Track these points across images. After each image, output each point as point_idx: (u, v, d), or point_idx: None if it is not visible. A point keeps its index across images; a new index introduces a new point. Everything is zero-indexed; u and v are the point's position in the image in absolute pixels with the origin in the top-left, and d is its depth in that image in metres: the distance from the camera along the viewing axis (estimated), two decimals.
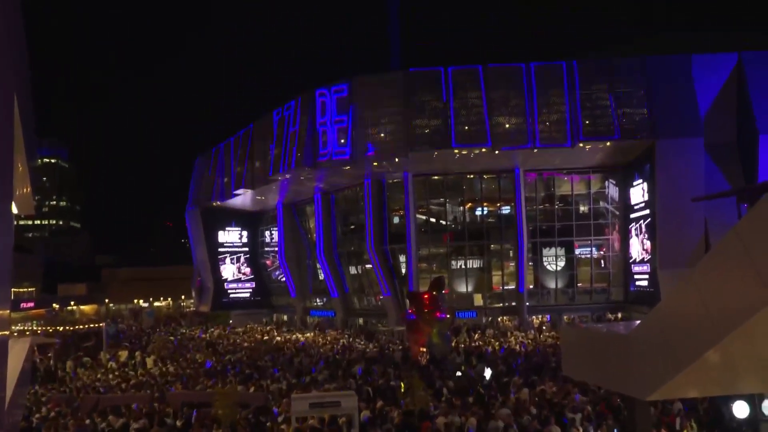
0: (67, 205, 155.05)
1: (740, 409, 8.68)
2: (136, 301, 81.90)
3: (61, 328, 48.14)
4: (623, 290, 41.23)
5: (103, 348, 33.23)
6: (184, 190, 63.14)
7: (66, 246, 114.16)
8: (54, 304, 73.44)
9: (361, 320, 47.93)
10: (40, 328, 44.93)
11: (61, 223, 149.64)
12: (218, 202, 55.15)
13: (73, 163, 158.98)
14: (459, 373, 21.66)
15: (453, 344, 29.54)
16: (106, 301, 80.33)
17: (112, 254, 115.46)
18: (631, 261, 39.63)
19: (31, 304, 68.71)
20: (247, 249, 60.25)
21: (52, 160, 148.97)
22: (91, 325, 53.20)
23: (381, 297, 43.69)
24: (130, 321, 65.40)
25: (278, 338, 41.50)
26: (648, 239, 36.82)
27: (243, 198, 52.77)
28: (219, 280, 58.08)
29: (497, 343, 31.70)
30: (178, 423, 15.13)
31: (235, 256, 59.40)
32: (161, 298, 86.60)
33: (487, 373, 21.22)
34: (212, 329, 49.25)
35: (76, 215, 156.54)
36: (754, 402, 8.55)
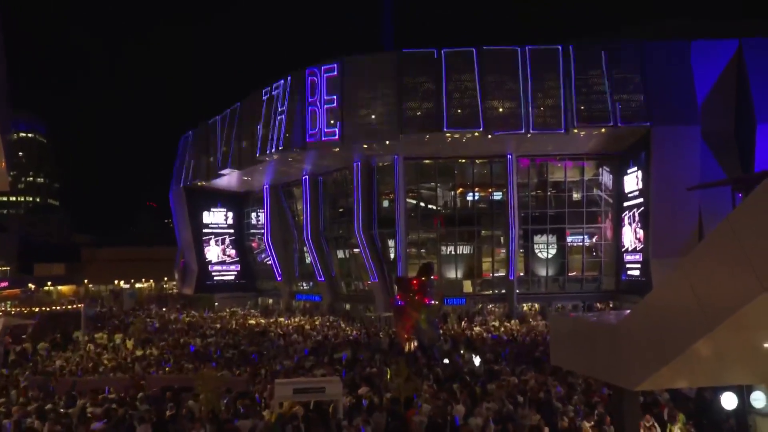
0: (44, 182, 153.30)
1: (728, 401, 8.79)
2: (116, 282, 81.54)
3: (37, 309, 47.79)
4: (614, 279, 41.58)
5: (81, 330, 33.04)
6: (168, 168, 62.75)
7: (43, 224, 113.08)
8: (30, 284, 72.88)
9: (347, 305, 48.10)
10: (14, 309, 44.55)
11: (38, 200, 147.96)
12: (203, 182, 54.84)
13: (52, 138, 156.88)
14: (446, 361, 21.81)
15: (441, 331, 29.71)
16: (85, 281, 79.92)
17: (91, 233, 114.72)
18: (623, 250, 39.93)
19: (5, 284, 68.05)
20: (232, 231, 60.10)
21: (29, 135, 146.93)
22: (70, 306, 52.89)
23: (369, 282, 43.79)
24: (111, 302, 65.11)
25: (261, 321, 41.58)
26: (641, 228, 37.09)
27: (229, 178, 52.51)
28: (203, 262, 57.93)
29: (485, 332, 31.92)
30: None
31: (220, 238, 59.22)
32: (143, 280, 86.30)
33: (477, 361, 21.40)
34: (192, 313, 49.14)
35: (54, 192, 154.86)
36: (743, 393, 8.66)
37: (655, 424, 12.00)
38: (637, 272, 37.93)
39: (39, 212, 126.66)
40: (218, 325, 38.61)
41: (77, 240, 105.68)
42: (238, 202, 60.12)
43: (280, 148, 42.04)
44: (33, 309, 44.20)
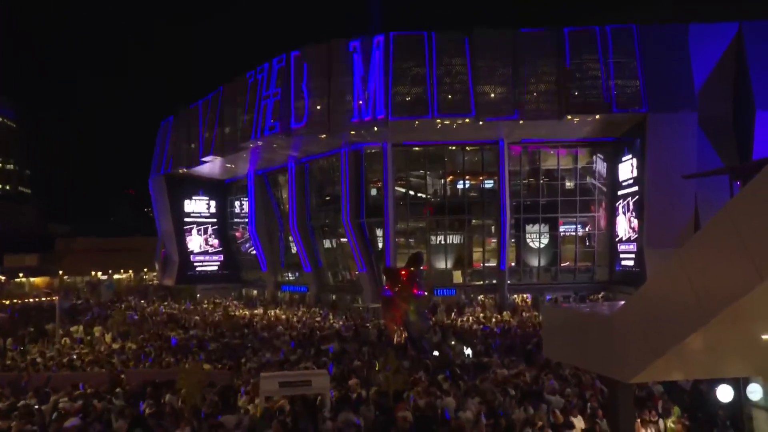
0: (14, 169, 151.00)
1: (724, 393, 8.91)
2: (93, 273, 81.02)
3: (8, 302, 47.29)
4: (608, 270, 41.88)
5: (56, 323, 32.78)
6: (148, 155, 62.31)
7: (14, 213, 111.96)
8: (0, 276, 72.27)
9: (334, 296, 48.16)
10: None
11: (8, 188, 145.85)
12: (184, 170, 54.50)
13: (23, 123, 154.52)
14: (436, 353, 21.92)
15: (431, 323, 29.83)
16: (60, 273, 79.35)
17: (66, 223, 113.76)
18: (617, 239, 40.19)
19: None
20: (215, 220, 59.87)
21: None
22: (44, 299, 52.51)
23: (356, 272, 43.82)
24: (88, 294, 64.72)
25: (245, 313, 41.55)
26: (635, 217, 37.33)
27: (211, 165, 52.22)
28: (185, 253, 57.70)
29: (475, 323, 32.08)
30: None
31: (202, 227, 58.98)
32: (121, 271, 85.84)
33: (467, 352, 21.55)
34: (174, 304, 49.03)
35: (25, 180, 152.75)
36: (739, 386, 8.78)
37: (658, 419, 12.13)
38: (630, 262, 38.21)
39: (9, 201, 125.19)
40: (197, 317, 38.49)
41: (51, 230, 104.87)
42: (221, 190, 59.85)
43: (265, 134, 41.83)
44: (3, 302, 43.71)
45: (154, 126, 61.66)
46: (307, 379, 14.67)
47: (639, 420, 11.86)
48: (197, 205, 58.90)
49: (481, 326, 30.45)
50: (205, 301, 50.87)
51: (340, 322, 34.16)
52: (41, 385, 17.58)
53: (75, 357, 23.94)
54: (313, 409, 13.82)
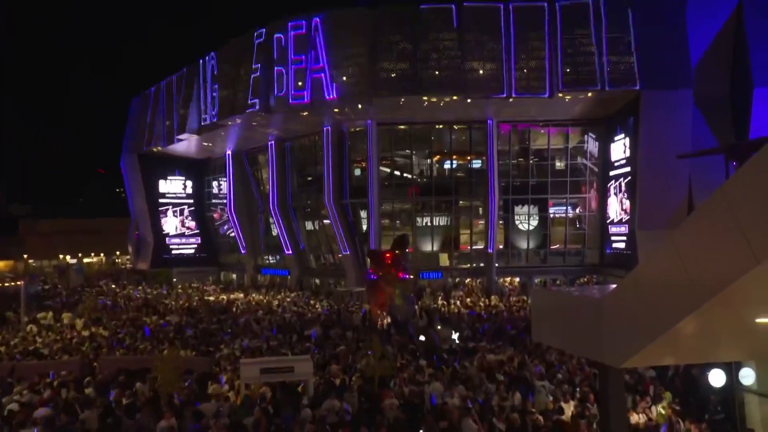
0: None
1: (716, 378, 9.07)
2: (61, 256, 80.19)
3: None
4: (599, 252, 42.23)
5: (21, 309, 32.35)
6: (119, 132, 61.57)
7: None
8: None
9: (317, 280, 48.21)
10: None
11: None
12: (159, 148, 53.94)
13: None
14: (422, 338, 22.08)
15: (416, 307, 30.00)
16: (25, 256, 78.46)
17: (31, 203, 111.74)
18: (608, 221, 40.48)
19: None
20: (191, 201, 59.51)
21: None
22: (6, 284, 51.93)
23: (339, 255, 43.87)
24: (56, 279, 64.12)
25: (223, 297, 41.53)
26: (627, 198, 37.59)
27: (187, 144, 51.75)
28: (160, 235, 57.35)
29: (462, 307, 32.32)
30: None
31: (178, 209, 58.61)
32: (92, 254, 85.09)
33: (454, 337, 21.75)
34: (148, 289, 48.80)
35: None
36: (731, 370, 8.94)
37: (650, 404, 12.36)
38: (622, 245, 38.54)
39: None
40: (172, 302, 38.36)
41: (14, 211, 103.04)
42: (198, 169, 59.41)
43: (244, 111, 41.49)
44: None
45: (126, 101, 60.87)
46: (290, 365, 14.74)
47: (630, 406, 12.08)
48: (173, 185, 58.45)
49: (468, 311, 30.67)
50: (179, 286, 50.62)
51: (325, 307, 34.24)
52: (5, 375, 17.39)
53: (42, 345, 23.71)
54: (295, 396, 13.90)
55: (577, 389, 13.95)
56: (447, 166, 44.03)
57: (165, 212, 57.87)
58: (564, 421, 11.61)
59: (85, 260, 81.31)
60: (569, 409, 12.58)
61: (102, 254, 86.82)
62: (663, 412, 12.02)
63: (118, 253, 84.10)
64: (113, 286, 53.39)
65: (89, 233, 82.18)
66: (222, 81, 44.42)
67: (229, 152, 52.21)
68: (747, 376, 8.90)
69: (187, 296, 42.96)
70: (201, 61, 48.35)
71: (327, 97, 38.22)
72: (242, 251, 53.87)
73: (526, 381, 14.68)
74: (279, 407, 12.98)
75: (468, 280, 42.70)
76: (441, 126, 42.61)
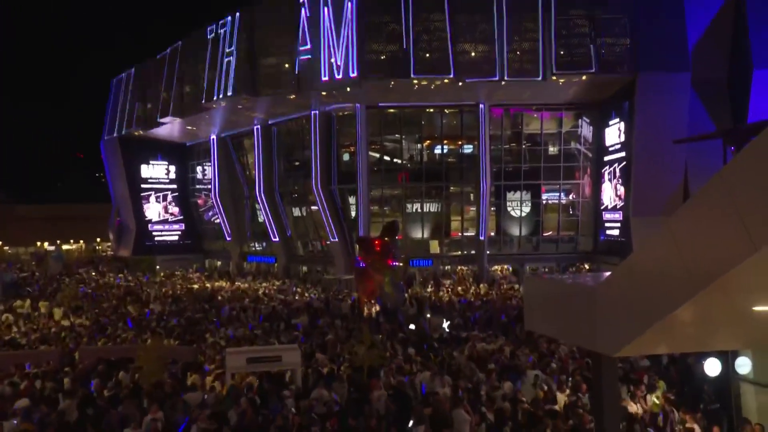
0: None
1: (712, 367, 9.14)
2: (39, 243, 79.67)
3: None
4: (592, 239, 42.43)
5: None
6: (99, 115, 61.06)
7: None
8: None
9: (304, 267, 48.17)
10: None
11: None
12: (141, 132, 53.58)
13: None
14: (412, 326, 22.15)
15: (406, 295, 30.09)
16: (0, 243, 77.90)
17: (6, 188, 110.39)
18: (602, 208, 40.65)
19: None
20: (175, 186, 59.25)
21: None
22: None
23: (327, 242, 43.83)
24: (33, 267, 63.65)
25: (207, 285, 41.44)
26: (621, 184, 37.73)
27: (170, 127, 51.42)
28: (142, 221, 57.12)
29: (453, 295, 32.41)
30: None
31: (161, 194, 58.34)
32: (71, 241, 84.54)
33: (445, 325, 21.83)
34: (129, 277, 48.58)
35: None
36: (727, 359, 9.01)
37: (645, 394, 12.46)
38: (616, 232, 38.75)
39: None
40: (155, 290, 38.19)
41: None
42: (182, 154, 59.09)
43: (229, 94, 41.23)
44: None
45: (106, 83, 60.29)
46: (277, 354, 14.75)
47: (628, 396, 12.19)
48: (155, 170, 58.13)
49: (459, 299, 30.77)
50: (161, 274, 50.41)
51: (312, 295, 34.26)
52: None
53: (18, 335, 23.53)
54: (283, 386, 13.92)
55: (569, 378, 14.05)
56: (437, 150, 43.99)
57: (147, 198, 57.57)
58: (556, 411, 11.70)
59: (64, 247, 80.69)
60: (561, 398, 12.68)
61: (82, 241, 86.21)
62: (657, 401, 12.13)
63: (98, 240, 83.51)
64: (93, 273, 53.08)
65: (68, 219, 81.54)
66: (205, 63, 44.07)
67: (213, 136, 51.89)
68: (743, 365, 8.97)
69: (172, 284, 42.81)
70: (181, 42, 47.99)
71: (314, 80, 38.02)
72: (227, 238, 53.71)
73: (517, 370, 14.78)
74: (266, 398, 12.99)
75: (459, 268, 42.79)
76: (431, 110, 42.53)
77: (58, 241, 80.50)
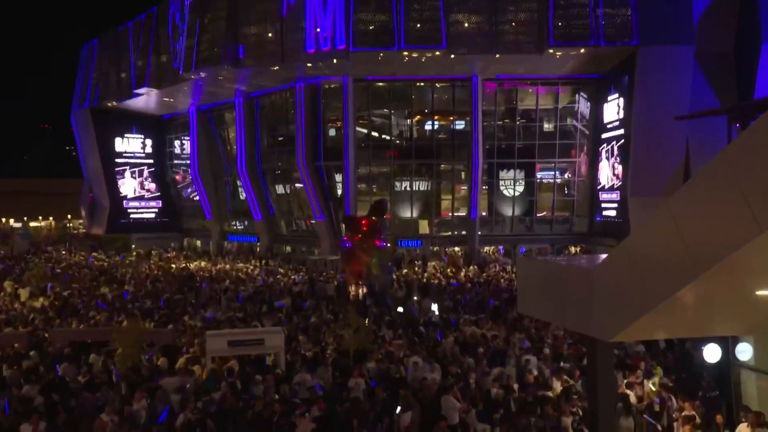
0: None
1: (711, 353, 9.22)
2: (4, 220, 78.99)
3: None
4: (588, 220, 42.60)
5: None
6: (69, 84, 60.31)
7: None
8: None
9: (288, 247, 48.13)
10: None
11: None
12: (114, 103, 53.01)
13: None
14: (400, 309, 22.23)
15: (394, 277, 30.17)
16: None
17: None
18: (598, 187, 40.75)
19: None
20: (151, 161, 58.86)
21: None
22: None
23: (312, 221, 43.78)
24: None
25: (186, 265, 41.32)
26: (620, 163, 37.79)
27: (146, 99, 50.92)
28: (116, 198, 56.73)
29: (443, 278, 32.51)
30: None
31: (136, 169, 57.91)
32: (40, 218, 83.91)
33: (434, 308, 21.91)
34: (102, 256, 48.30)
35: None
36: (727, 345, 9.09)
37: (642, 380, 12.58)
38: (613, 212, 38.89)
39: None
40: (128, 272, 37.96)
41: None
42: (159, 127, 58.62)
43: (208, 64, 40.83)
44: None
45: (76, 51, 59.53)
46: (260, 337, 14.76)
47: (624, 382, 12.31)
48: (130, 144, 57.63)
49: (450, 281, 30.87)
50: (134, 253, 50.13)
51: (297, 275, 34.26)
52: None
53: None
54: (265, 370, 13.95)
55: (562, 364, 14.18)
56: (428, 126, 43.90)
57: (122, 173, 57.12)
58: (549, 397, 11.81)
59: (32, 224, 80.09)
60: (557, 384, 12.80)
61: (51, 218, 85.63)
62: (654, 388, 12.26)
63: (69, 216, 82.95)
64: (64, 252, 52.74)
65: (36, 195, 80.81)
66: (186, 30, 43.54)
67: (192, 109, 51.45)
68: (744, 351, 9.04)
69: (148, 264, 42.59)
70: (156, 7, 47.35)
71: (299, 50, 37.71)
72: (207, 216, 53.51)
73: (503, 354, 14.93)
74: (247, 382, 13.02)
75: (449, 249, 42.88)
76: (422, 83, 42.39)
77: (25, 218, 79.87)
